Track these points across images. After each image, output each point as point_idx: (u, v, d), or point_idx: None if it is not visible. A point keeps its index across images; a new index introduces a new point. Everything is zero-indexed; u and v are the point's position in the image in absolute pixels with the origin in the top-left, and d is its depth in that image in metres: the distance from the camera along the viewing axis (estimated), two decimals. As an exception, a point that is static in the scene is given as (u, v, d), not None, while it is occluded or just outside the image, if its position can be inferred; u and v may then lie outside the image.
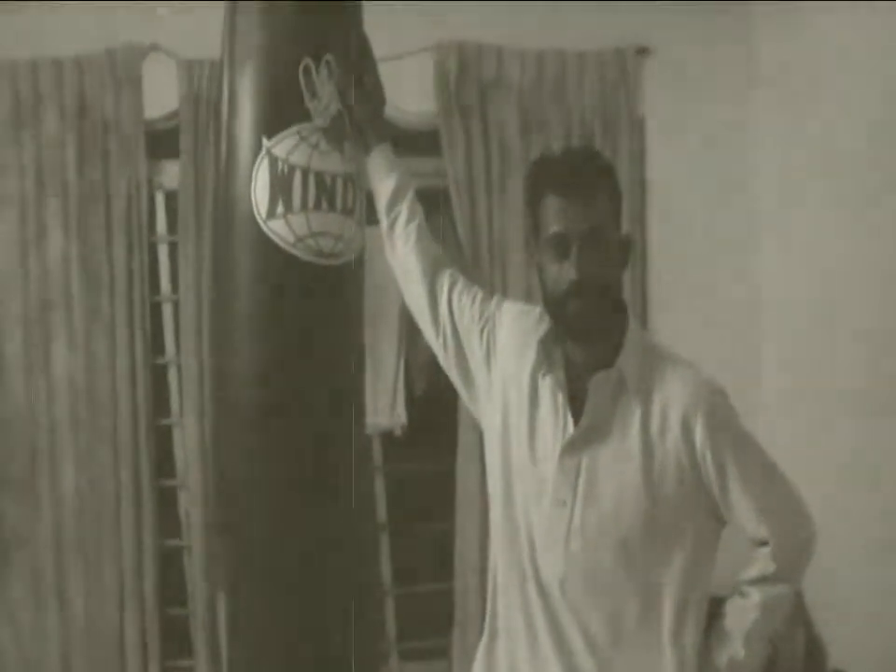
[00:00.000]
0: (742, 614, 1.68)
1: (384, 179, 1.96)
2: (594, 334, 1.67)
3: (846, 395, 3.00)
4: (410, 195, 1.95)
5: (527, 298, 3.14)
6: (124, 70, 3.13)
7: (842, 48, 2.99)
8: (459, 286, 1.89)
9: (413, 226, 1.93)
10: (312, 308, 1.93)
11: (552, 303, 1.67)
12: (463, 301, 1.87)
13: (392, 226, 1.95)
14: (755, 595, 1.67)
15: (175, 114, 3.19)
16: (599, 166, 1.69)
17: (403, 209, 1.94)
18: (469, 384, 1.87)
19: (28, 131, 3.12)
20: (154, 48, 3.14)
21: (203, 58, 3.09)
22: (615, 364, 1.65)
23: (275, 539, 1.97)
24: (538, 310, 1.79)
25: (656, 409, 1.63)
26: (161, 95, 3.16)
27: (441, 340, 1.88)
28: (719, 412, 1.64)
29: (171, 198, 3.29)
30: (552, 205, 1.63)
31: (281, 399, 1.94)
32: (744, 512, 1.63)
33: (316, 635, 1.98)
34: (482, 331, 1.84)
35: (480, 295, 1.88)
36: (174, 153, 3.20)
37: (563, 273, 1.61)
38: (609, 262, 1.64)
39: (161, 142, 3.23)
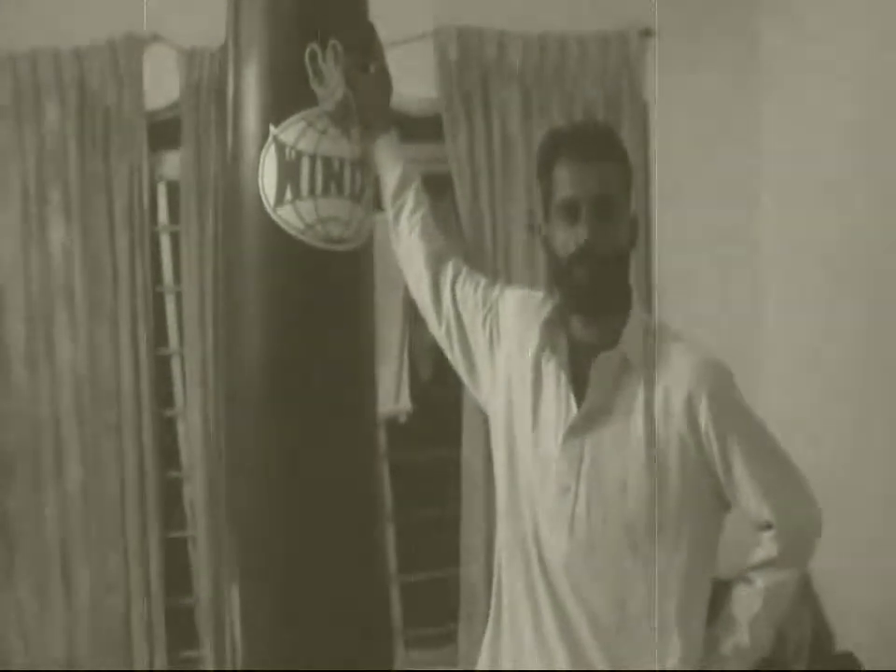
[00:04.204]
0: (747, 601, 1.68)
1: (389, 168, 1.96)
2: (599, 305, 1.67)
3: (848, 379, 3.00)
4: (415, 184, 1.96)
5: (530, 283, 3.14)
6: (125, 60, 3.12)
7: (846, 28, 2.97)
8: (463, 274, 1.90)
9: (417, 215, 1.93)
10: (321, 294, 1.94)
11: (559, 269, 1.67)
12: (466, 290, 1.87)
13: (397, 215, 1.95)
14: (759, 581, 1.67)
15: (176, 104, 3.18)
16: (610, 137, 1.71)
17: (409, 198, 1.94)
18: (472, 371, 1.87)
19: (29, 122, 3.11)
20: (155, 38, 3.13)
21: (205, 47, 3.08)
22: (618, 345, 1.65)
23: (285, 527, 1.97)
24: (540, 295, 1.80)
25: (660, 389, 1.63)
26: (162, 85, 3.15)
27: (444, 328, 1.89)
28: (723, 391, 1.64)
29: (173, 188, 3.28)
30: (564, 170, 1.64)
31: (291, 387, 1.94)
32: (747, 493, 1.63)
33: (327, 624, 1.98)
34: (485, 318, 1.84)
35: (483, 282, 1.89)
36: (175, 143, 3.19)
37: (572, 236, 1.62)
38: (618, 230, 1.65)
39: (163, 132, 3.22)
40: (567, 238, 1.63)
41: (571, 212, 1.62)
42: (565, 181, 1.64)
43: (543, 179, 1.70)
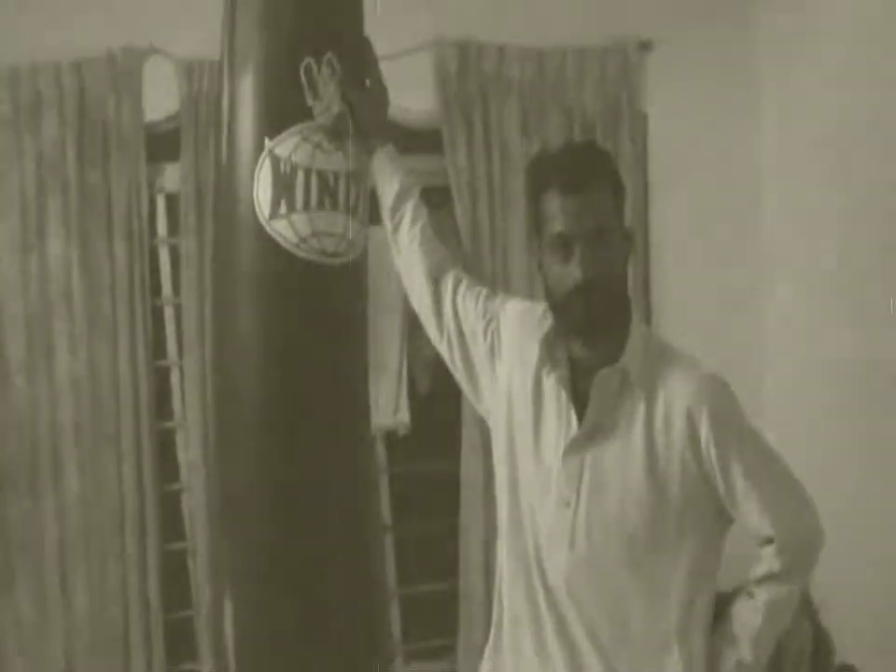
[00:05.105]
0: (749, 616, 1.66)
1: (388, 181, 1.96)
2: (598, 332, 1.66)
3: (850, 392, 2.99)
4: (414, 197, 1.95)
5: (530, 295, 3.13)
6: (124, 72, 3.13)
7: (843, 38, 2.98)
8: (463, 286, 1.89)
9: (417, 228, 1.93)
10: (315, 307, 1.93)
11: (556, 303, 1.65)
12: (467, 302, 1.87)
13: (397, 228, 1.95)
14: (762, 596, 1.65)
15: (175, 116, 3.19)
16: (601, 161, 1.67)
17: (408, 211, 1.94)
18: (474, 383, 1.86)
19: (28, 133, 3.11)
20: (154, 50, 3.13)
21: (203, 59, 3.08)
22: (619, 361, 1.64)
23: (279, 542, 1.96)
24: (541, 307, 1.77)
25: (660, 405, 1.62)
26: (161, 97, 3.15)
27: (445, 340, 1.88)
28: (723, 406, 1.63)
29: (172, 200, 3.28)
30: (554, 204, 1.60)
31: (284, 400, 1.93)
32: (748, 509, 1.62)
33: (323, 637, 1.97)
34: (485, 330, 1.83)
35: (484, 294, 1.88)
36: (174, 155, 3.20)
37: (567, 274, 1.59)
38: (614, 260, 1.62)
39: (162, 144, 3.22)
40: (562, 275, 1.60)
41: (564, 248, 1.59)
42: (555, 215, 1.60)
43: (533, 207, 1.66)
